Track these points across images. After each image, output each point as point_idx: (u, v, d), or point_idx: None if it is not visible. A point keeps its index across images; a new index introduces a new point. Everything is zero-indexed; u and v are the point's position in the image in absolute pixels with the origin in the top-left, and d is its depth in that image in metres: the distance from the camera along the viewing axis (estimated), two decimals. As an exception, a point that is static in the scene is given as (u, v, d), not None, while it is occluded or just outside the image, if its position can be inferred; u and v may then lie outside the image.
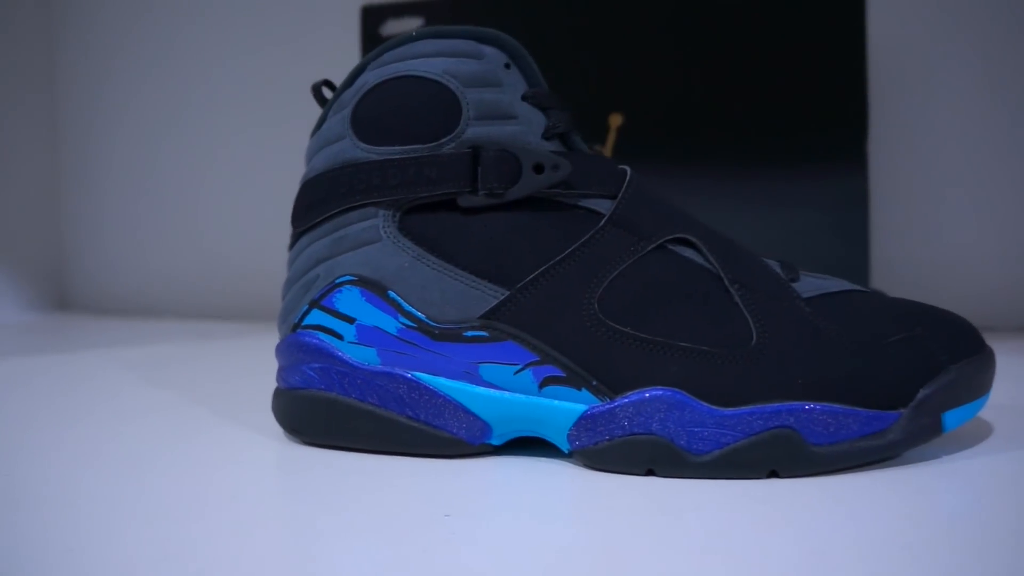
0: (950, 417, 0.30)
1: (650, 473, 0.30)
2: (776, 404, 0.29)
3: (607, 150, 0.53)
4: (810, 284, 0.32)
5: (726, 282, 0.31)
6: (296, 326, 0.33)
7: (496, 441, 0.32)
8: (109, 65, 0.80)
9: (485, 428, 0.32)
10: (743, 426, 0.29)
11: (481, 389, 0.31)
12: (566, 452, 0.31)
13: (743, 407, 0.29)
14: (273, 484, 0.30)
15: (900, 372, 0.30)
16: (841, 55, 0.53)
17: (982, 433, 0.35)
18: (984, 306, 0.62)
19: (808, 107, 0.53)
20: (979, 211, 0.63)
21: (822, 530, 0.25)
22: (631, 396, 0.30)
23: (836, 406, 0.29)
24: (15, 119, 0.74)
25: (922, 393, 0.30)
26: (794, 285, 0.32)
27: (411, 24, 0.56)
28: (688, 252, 0.31)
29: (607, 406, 0.30)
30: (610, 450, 0.30)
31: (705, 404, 0.29)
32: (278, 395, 0.34)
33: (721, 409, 0.29)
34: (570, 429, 0.30)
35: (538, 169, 0.30)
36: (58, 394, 0.45)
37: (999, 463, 0.31)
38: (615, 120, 0.54)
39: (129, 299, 0.81)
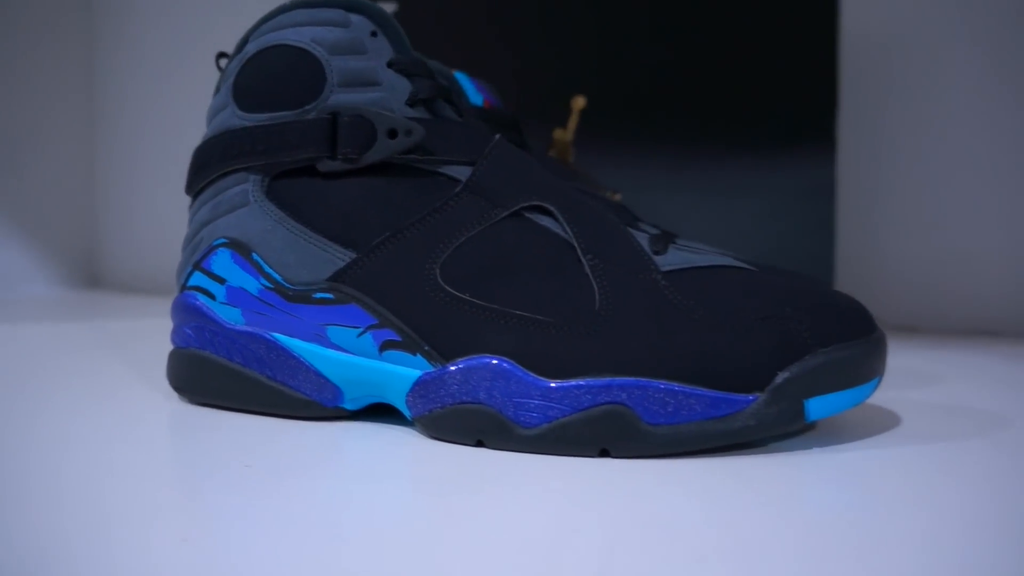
0: (815, 405, 0.28)
1: (480, 444, 0.29)
2: (608, 379, 0.28)
3: (569, 133, 0.53)
4: (678, 257, 0.31)
5: (579, 252, 0.30)
6: (183, 287, 0.35)
7: (349, 405, 0.32)
8: (143, 54, 0.85)
9: (336, 391, 0.32)
10: (570, 400, 0.28)
11: (330, 351, 0.32)
12: (409, 419, 0.31)
13: (571, 380, 0.28)
14: (134, 439, 0.31)
15: (757, 353, 0.28)
16: (811, 39, 0.51)
17: (878, 428, 0.33)
18: (952, 305, 0.58)
19: (776, 92, 0.51)
20: (956, 206, 0.59)
21: (639, 513, 0.24)
22: (460, 363, 0.29)
23: (676, 385, 0.28)
24: (55, 105, 0.80)
25: (781, 377, 0.28)
26: (659, 257, 0.30)
27: (387, 7, 0.58)
28: (545, 220, 0.31)
29: (438, 372, 0.30)
30: (442, 418, 0.30)
31: (532, 375, 0.29)
32: (169, 355, 0.35)
33: (547, 381, 0.28)
34: (407, 395, 0.30)
35: (391, 134, 0.31)
36: (81, 360, 0.46)
37: (874, 460, 0.29)
38: (578, 103, 0.53)
39: (157, 279, 0.86)
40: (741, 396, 0.28)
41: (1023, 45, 0.58)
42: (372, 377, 0.31)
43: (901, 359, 0.49)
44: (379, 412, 0.33)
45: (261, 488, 0.25)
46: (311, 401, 0.32)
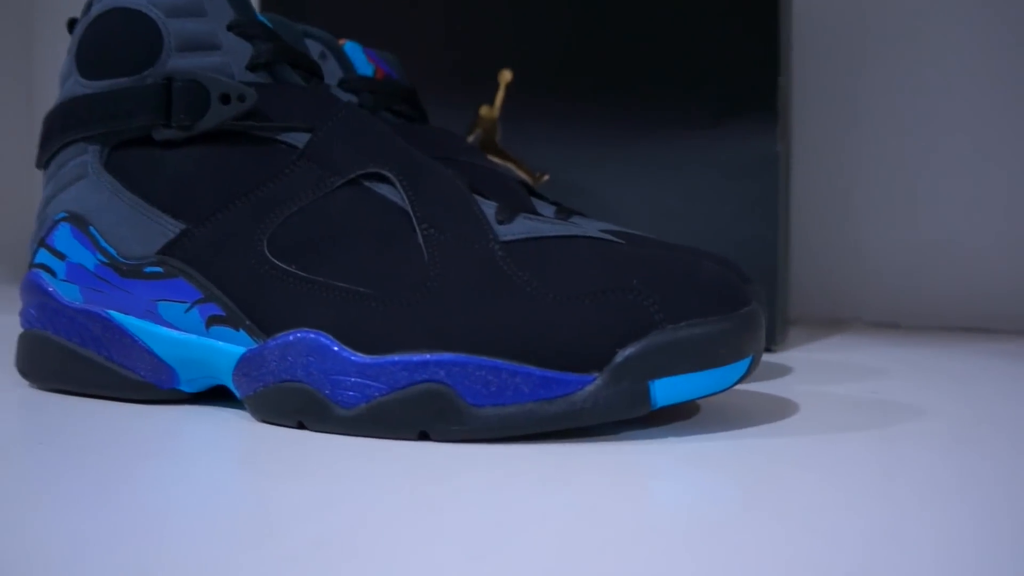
0: (662, 388, 0.26)
1: (301, 426, 0.28)
2: (425, 355, 0.26)
3: (496, 109, 0.51)
4: (523, 227, 0.29)
5: (414, 221, 0.28)
6: (31, 265, 0.34)
7: (186, 387, 0.31)
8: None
9: (171, 372, 0.31)
10: (386, 377, 0.26)
11: (161, 329, 0.31)
12: (240, 400, 0.29)
13: (387, 356, 0.27)
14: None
15: (595, 328, 0.26)
16: None
17: (767, 417, 0.31)
18: (918, 296, 0.56)
19: (714, 58, 0.49)
20: (936, 189, 0.56)
21: (447, 503, 0.22)
22: (279, 338, 0.28)
23: (499, 361, 0.26)
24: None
25: (621, 355, 0.26)
26: (501, 227, 0.29)
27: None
28: (384, 189, 0.29)
29: (259, 349, 0.29)
30: (265, 398, 0.29)
31: (348, 350, 0.27)
32: (18, 338, 0.34)
33: (362, 356, 0.27)
34: (233, 373, 0.29)
35: (225, 99, 0.30)
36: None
37: (736, 451, 0.26)
38: (504, 76, 0.51)
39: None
40: (575, 376, 0.26)
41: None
42: (202, 355, 0.30)
43: (839, 353, 0.46)
44: (222, 396, 0.31)
45: (73, 476, 0.24)
46: (146, 383, 0.31)
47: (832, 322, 0.61)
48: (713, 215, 0.49)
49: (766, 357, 0.45)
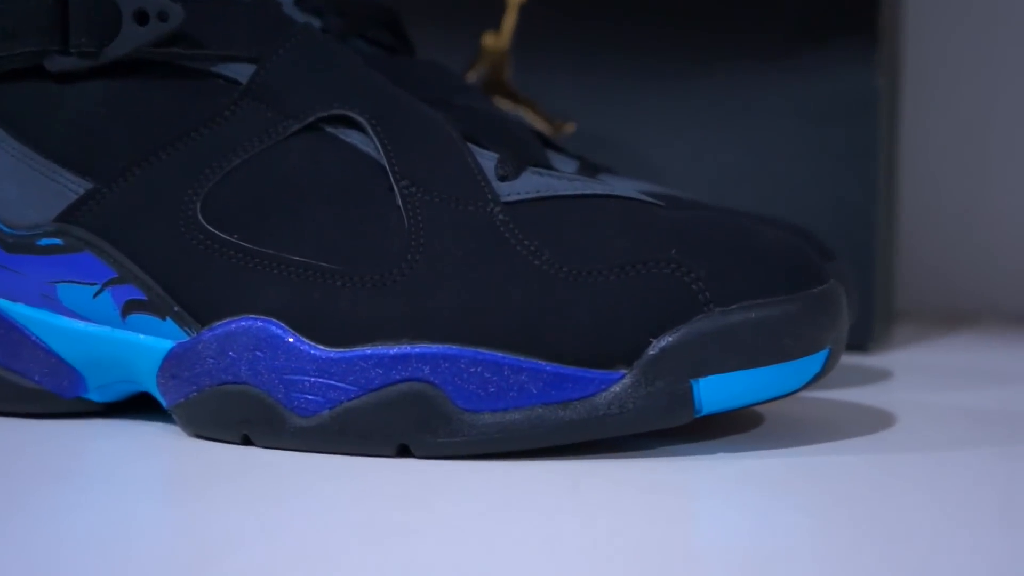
0: (709, 389, 0.28)
1: (247, 442, 0.29)
2: (406, 346, 0.28)
3: (504, 38, 0.52)
4: (531, 183, 0.30)
5: (391, 176, 0.30)
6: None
7: (96, 396, 0.33)
8: None
9: (75, 376, 0.32)
10: (356, 376, 0.28)
11: (61, 319, 0.32)
12: (166, 409, 0.31)
13: (357, 348, 0.28)
14: None
15: (624, 311, 0.28)
16: None
17: (833, 432, 0.32)
18: None
19: None
20: None
21: (427, 533, 0.23)
22: (217, 328, 0.30)
23: (500, 355, 0.28)
24: None
25: (656, 346, 0.27)
26: (504, 184, 0.30)
27: None
28: (353, 136, 0.31)
29: (191, 342, 0.30)
30: (199, 406, 0.30)
31: (307, 342, 0.29)
32: None
33: (326, 350, 0.28)
34: (157, 375, 0.31)
35: (141, 18, 0.31)
36: None
37: (807, 474, 0.28)
38: (514, -6, 0.52)
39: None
40: (597, 373, 0.27)
41: None
42: (116, 353, 0.32)
43: (960, 356, 0.47)
44: (143, 406, 0.33)
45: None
46: (43, 391, 0.33)
47: (953, 316, 0.61)
48: (789, 174, 0.50)
49: (860, 360, 0.46)
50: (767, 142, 0.51)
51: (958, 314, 0.62)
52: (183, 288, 0.30)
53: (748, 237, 0.29)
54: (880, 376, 0.42)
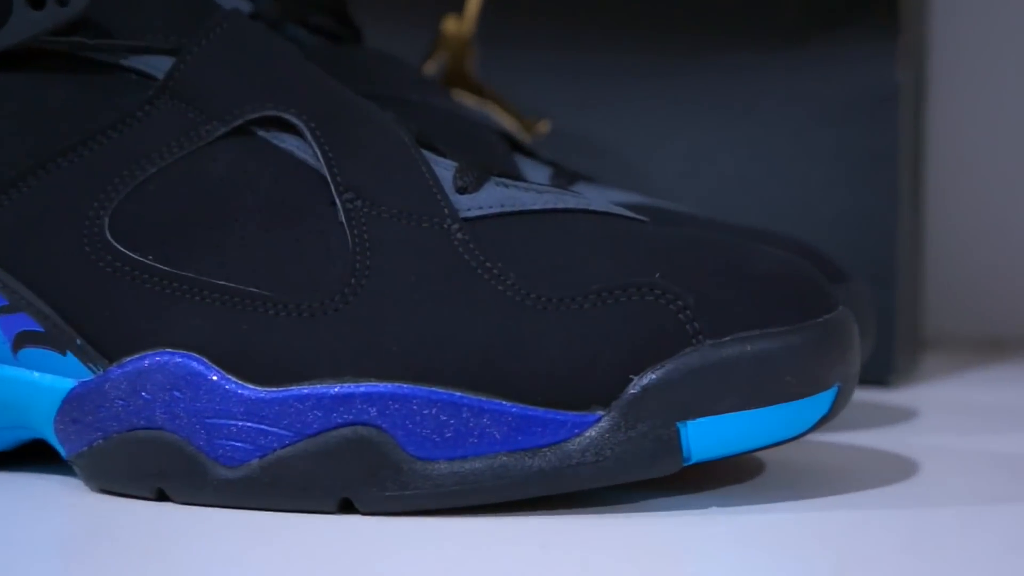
0: (699, 433, 0.28)
1: (162, 497, 0.30)
2: (348, 384, 0.28)
3: (467, 23, 0.53)
4: (495, 196, 0.31)
5: (333, 189, 0.30)
6: None
7: (-21, 444, 0.33)
8: None
9: (-44, 421, 0.33)
10: (291, 419, 0.29)
11: (-57, 355, 0.32)
12: (65, 459, 0.31)
13: (293, 387, 0.28)
14: None
15: (600, 345, 0.28)
16: None
17: (846, 482, 0.32)
18: None
19: None
20: None
21: None
22: (127, 364, 0.30)
23: (460, 395, 0.28)
24: None
25: (637, 383, 0.28)
26: (463, 198, 0.31)
27: None
28: (289, 141, 0.31)
29: (97, 381, 0.30)
30: (105, 456, 0.30)
31: (233, 379, 0.29)
32: None
33: (255, 389, 0.29)
34: (55, 419, 0.31)
35: (36, 2, 0.31)
36: None
37: (795, 530, 0.28)
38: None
39: None
40: (571, 415, 0.28)
41: None
42: (6, 393, 0.32)
43: (996, 391, 0.48)
44: (40, 455, 0.33)
45: None
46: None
47: (988, 344, 0.62)
48: (796, 181, 0.51)
49: (880, 396, 0.47)
50: (772, 144, 0.52)
51: (994, 342, 0.63)
52: (87, 318, 0.31)
53: (743, 258, 0.30)
54: (903, 415, 0.43)
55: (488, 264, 0.29)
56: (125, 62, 0.32)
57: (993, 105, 0.64)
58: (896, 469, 0.34)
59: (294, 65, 0.33)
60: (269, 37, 0.34)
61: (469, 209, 0.30)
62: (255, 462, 0.29)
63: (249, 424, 0.29)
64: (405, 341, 0.29)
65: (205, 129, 0.31)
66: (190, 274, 0.30)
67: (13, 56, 0.32)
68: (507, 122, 0.51)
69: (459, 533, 0.27)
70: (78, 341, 0.31)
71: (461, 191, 0.31)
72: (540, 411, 0.28)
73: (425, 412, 0.28)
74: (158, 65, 0.32)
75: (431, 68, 0.52)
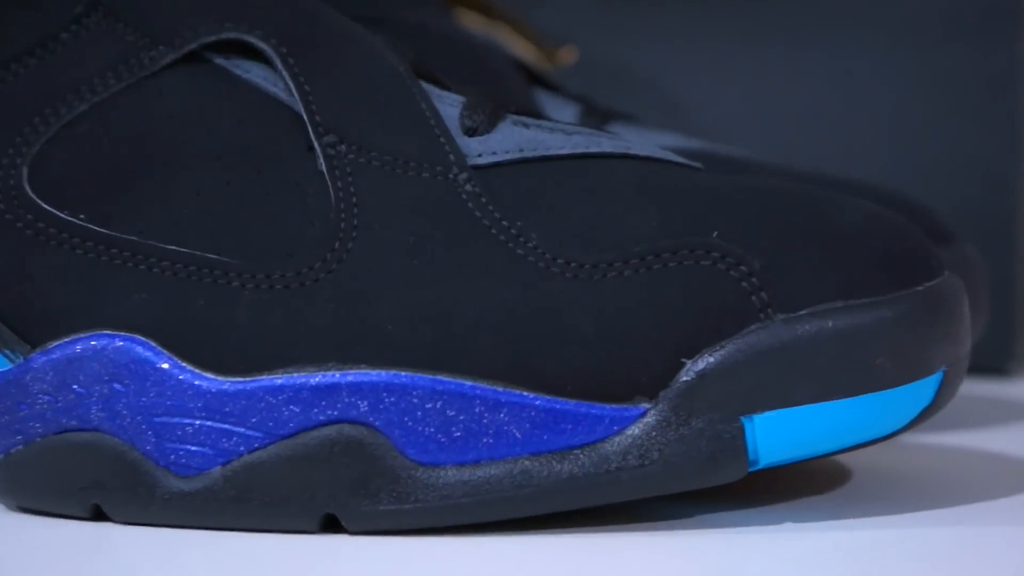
0: (768, 430, 0.28)
1: (99, 516, 0.30)
2: (334, 373, 0.28)
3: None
4: (512, 139, 0.31)
5: (312, 131, 0.30)
6: None
7: None
8: None
9: None
10: (261, 417, 0.29)
11: None
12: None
13: (263, 377, 0.29)
14: None
15: (646, 322, 0.28)
16: None
17: (952, 492, 0.33)
18: None
19: None
20: None
21: None
22: (54, 351, 0.30)
23: (471, 384, 0.28)
24: None
25: (691, 369, 0.28)
26: (472, 140, 0.31)
27: None
28: (254, 71, 0.32)
29: (17, 371, 0.30)
30: (28, 465, 0.30)
31: (189, 368, 0.29)
32: None
33: (217, 379, 0.29)
34: (-33, 421, 0.31)
35: None
36: None
37: (890, 550, 0.28)
38: None
39: None
40: (609, 408, 0.28)
41: None
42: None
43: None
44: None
45: None
46: None
47: None
48: (889, 116, 0.51)
49: (998, 387, 0.47)
50: (855, 74, 0.52)
51: None
52: (3, 292, 0.31)
53: (822, 212, 0.30)
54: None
55: (504, 222, 0.29)
56: None
57: None
58: (1018, 476, 0.34)
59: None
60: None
61: (480, 155, 0.31)
62: (216, 470, 0.29)
63: (209, 423, 0.29)
64: (402, 318, 0.29)
65: (148, 55, 0.31)
66: (133, 237, 0.30)
67: None
68: (524, 49, 0.51)
69: (469, 557, 0.28)
70: None
71: (470, 132, 0.31)
72: (571, 404, 0.28)
73: (428, 406, 0.28)
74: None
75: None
